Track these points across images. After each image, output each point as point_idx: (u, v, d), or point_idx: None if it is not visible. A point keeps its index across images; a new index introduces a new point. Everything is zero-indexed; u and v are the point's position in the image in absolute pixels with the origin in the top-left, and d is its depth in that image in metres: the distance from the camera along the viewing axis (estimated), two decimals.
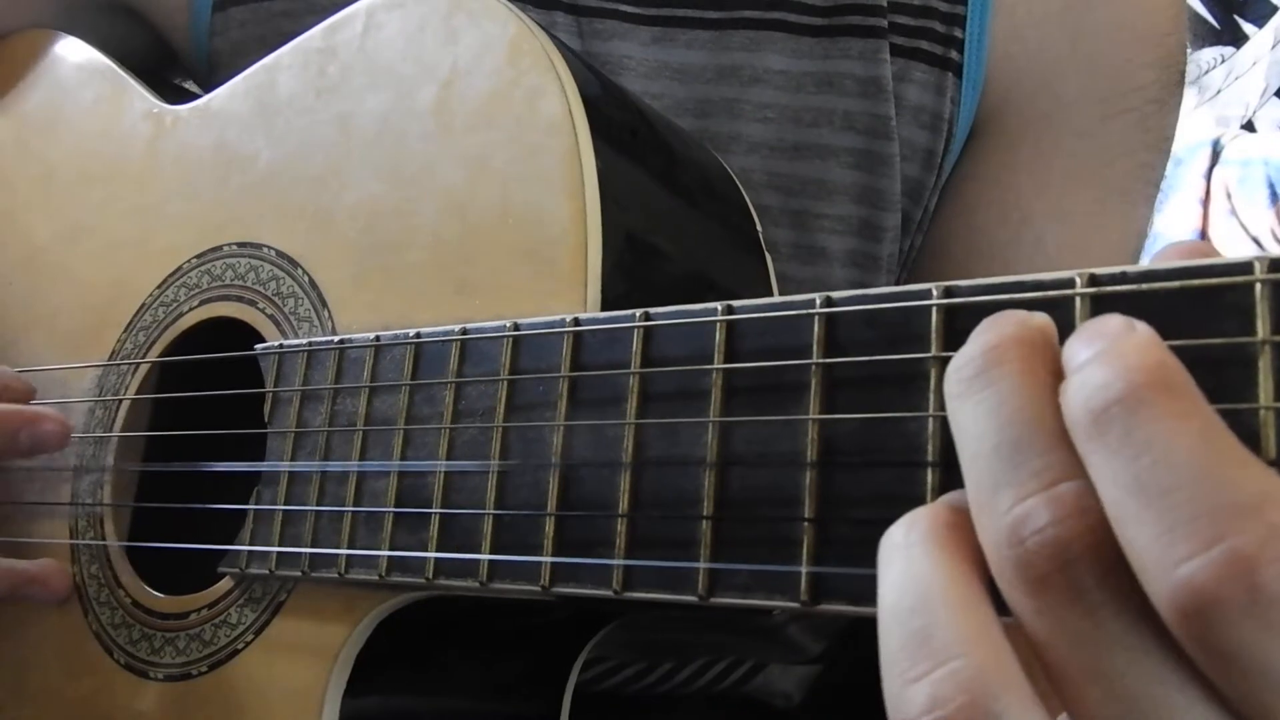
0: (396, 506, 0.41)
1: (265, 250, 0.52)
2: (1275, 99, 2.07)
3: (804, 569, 0.30)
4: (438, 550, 0.39)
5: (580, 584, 0.35)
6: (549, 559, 0.36)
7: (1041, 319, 0.26)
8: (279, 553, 0.45)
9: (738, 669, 0.68)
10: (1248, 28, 2.08)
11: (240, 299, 0.53)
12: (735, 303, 0.34)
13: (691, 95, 0.62)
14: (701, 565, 0.33)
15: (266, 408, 0.47)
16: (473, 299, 0.44)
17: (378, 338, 0.44)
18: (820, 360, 0.31)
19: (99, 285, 0.60)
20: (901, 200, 0.63)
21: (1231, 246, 1.87)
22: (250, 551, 0.46)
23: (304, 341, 0.47)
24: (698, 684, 0.67)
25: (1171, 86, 0.65)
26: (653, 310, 0.36)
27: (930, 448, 0.29)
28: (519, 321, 0.39)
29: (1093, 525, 0.23)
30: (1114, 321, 0.24)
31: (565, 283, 0.41)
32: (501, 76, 0.46)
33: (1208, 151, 1.98)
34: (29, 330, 0.62)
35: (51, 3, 0.73)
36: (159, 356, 0.55)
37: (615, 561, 0.34)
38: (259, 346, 0.49)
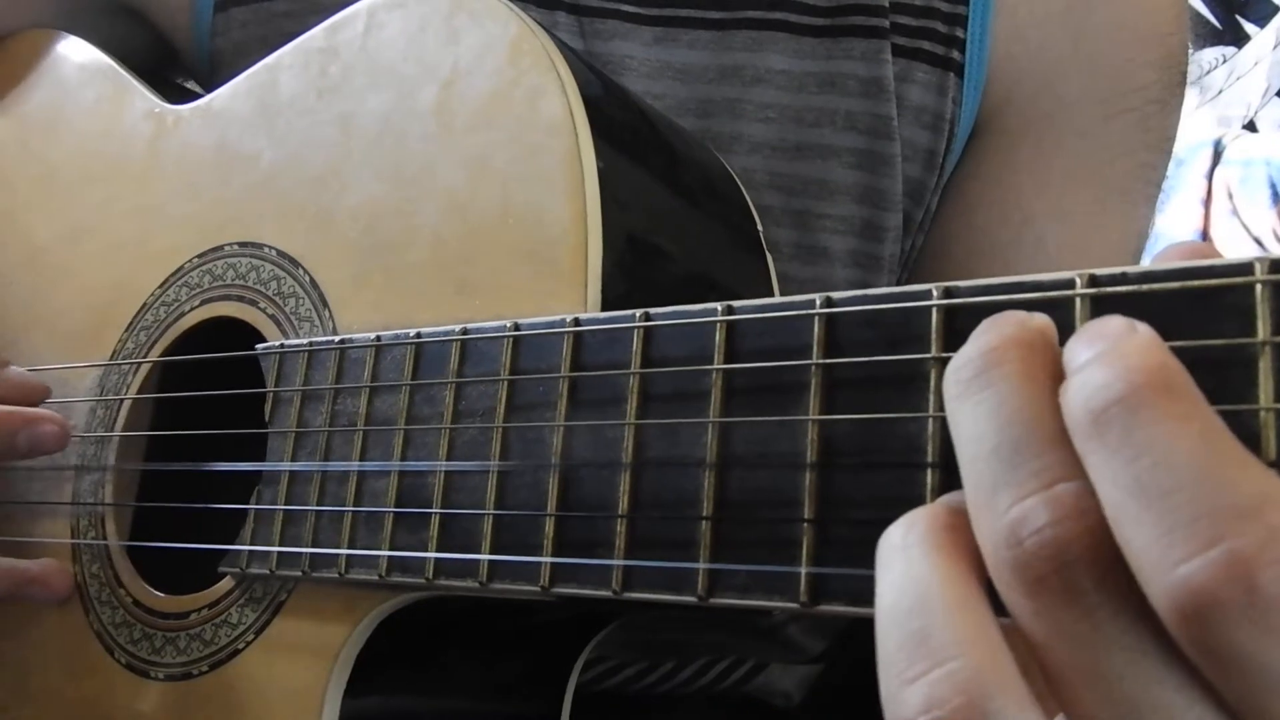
0: (397, 506, 0.41)
1: (266, 250, 0.52)
2: (1277, 99, 2.06)
3: (803, 570, 0.30)
4: (438, 550, 0.39)
5: (580, 584, 0.35)
6: (549, 559, 0.36)
7: (1041, 320, 0.26)
8: (279, 552, 0.45)
9: (739, 669, 0.68)
10: (1249, 28, 2.08)
11: (241, 299, 0.53)
12: (735, 303, 0.34)
13: (693, 95, 0.62)
14: (701, 566, 0.33)
15: (267, 408, 0.47)
16: (473, 299, 0.44)
17: (378, 338, 0.44)
18: (820, 361, 0.31)
19: (100, 285, 0.60)
20: (903, 200, 0.63)
21: (1233, 247, 1.86)
22: (251, 551, 0.46)
23: (305, 341, 0.47)
24: (698, 684, 0.67)
25: (1173, 86, 0.65)
26: (653, 310, 0.36)
27: (930, 449, 0.29)
28: (519, 322, 0.39)
29: (1091, 526, 0.23)
30: (1115, 322, 0.24)
31: (566, 283, 0.41)
32: (502, 76, 0.46)
33: (1209, 152, 1.97)
34: (30, 330, 0.62)
35: (53, 3, 0.73)
36: (160, 356, 0.55)
37: (615, 562, 0.34)
38: (260, 346, 0.49)
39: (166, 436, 0.55)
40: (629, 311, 0.36)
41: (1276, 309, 0.25)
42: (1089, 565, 0.23)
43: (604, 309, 0.40)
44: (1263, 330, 0.25)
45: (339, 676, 0.43)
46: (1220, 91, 2.07)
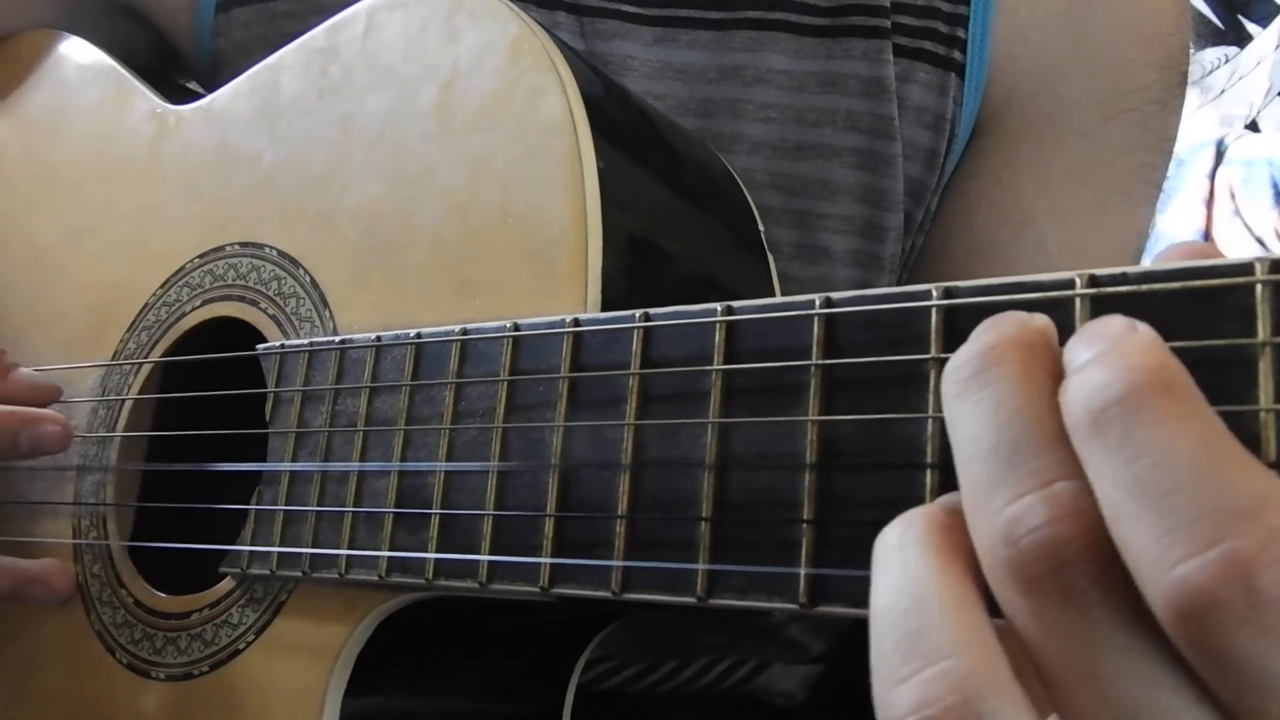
0: (397, 507, 0.41)
1: (267, 250, 0.52)
2: (1279, 99, 2.06)
3: (803, 571, 0.30)
4: (437, 551, 0.39)
5: (579, 585, 0.35)
6: (548, 560, 0.36)
7: (1041, 320, 0.25)
8: (280, 553, 0.45)
9: (740, 668, 0.68)
10: (1252, 28, 2.08)
11: (242, 299, 0.53)
12: (735, 303, 0.34)
13: (694, 95, 0.62)
14: (700, 567, 0.32)
15: (268, 408, 0.47)
16: (473, 299, 0.44)
17: (378, 338, 0.44)
18: (820, 361, 0.31)
19: (101, 285, 0.60)
20: (904, 200, 0.63)
21: (1235, 247, 1.86)
22: (251, 552, 0.46)
23: (305, 342, 0.47)
24: (700, 683, 0.67)
25: (1173, 87, 0.65)
26: (652, 311, 0.36)
27: (930, 449, 0.29)
28: (519, 322, 0.39)
29: (1088, 526, 0.22)
30: (1116, 323, 0.24)
31: (566, 283, 0.41)
32: (503, 77, 0.46)
33: (1211, 152, 1.97)
34: (31, 330, 0.63)
35: (55, 3, 0.73)
36: (162, 356, 0.55)
37: (614, 563, 0.34)
38: (260, 347, 0.49)
39: (168, 437, 0.55)
40: (628, 312, 0.36)
41: (1277, 309, 0.25)
42: (1085, 565, 0.23)
43: (604, 309, 0.40)
44: (1263, 330, 0.25)
45: (339, 677, 0.43)
46: (1222, 91, 2.07)
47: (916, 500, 0.28)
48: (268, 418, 0.47)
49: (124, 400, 0.56)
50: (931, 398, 0.29)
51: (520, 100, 0.45)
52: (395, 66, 0.50)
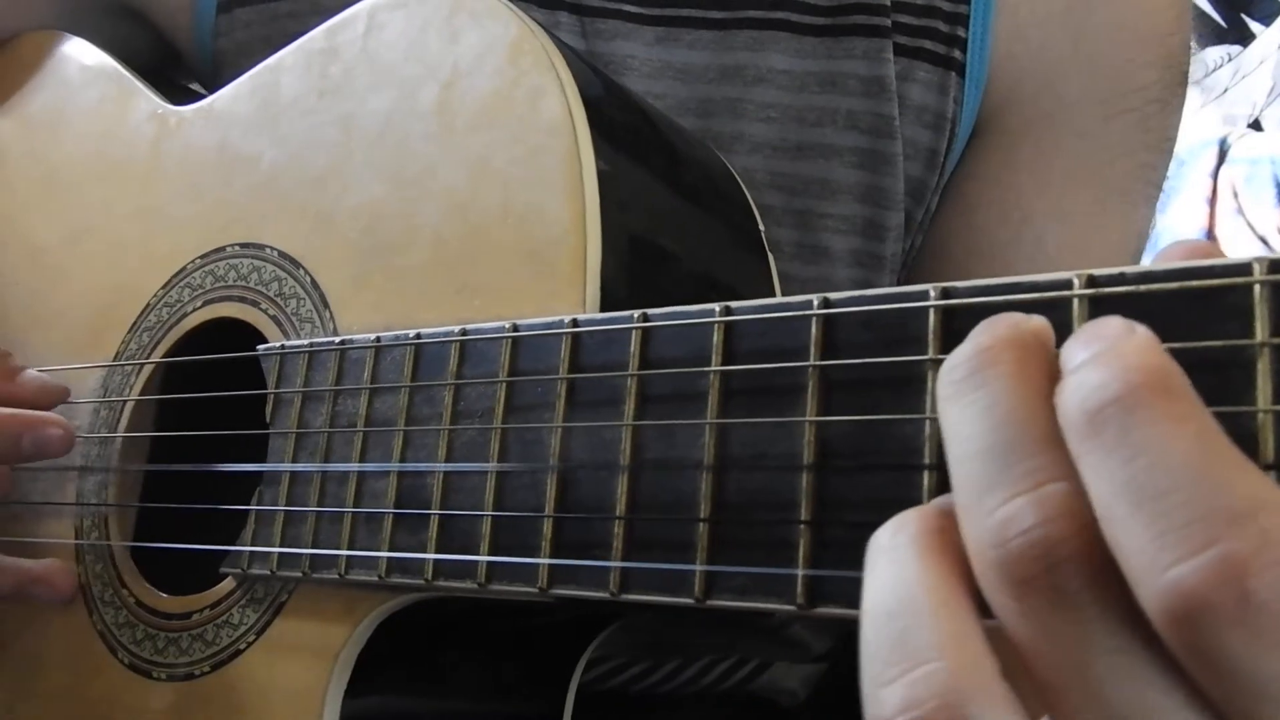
0: (396, 508, 0.41)
1: (268, 251, 0.52)
2: None
3: (800, 572, 0.30)
4: (437, 551, 0.39)
5: (578, 586, 0.35)
6: (547, 561, 0.36)
7: (1038, 322, 0.25)
8: (280, 553, 0.45)
9: (743, 667, 0.68)
10: (1255, 26, 2.07)
11: (243, 300, 0.53)
12: (733, 304, 0.34)
13: (694, 95, 0.62)
14: (698, 568, 0.32)
15: (268, 408, 0.48)
16: (473, 300, 0.44)
17: (378, 339, 0.44)
18: (817, 362, 0.31)
19: (102, 286, 0.60)
20: (904, 200, 0.63)
21: (1238, 246, 1.86)
22: (252, 552, 0.46)
23: (305, 342, 0.47)
24: (703, 682, 0.67)
25: (1173, 87, 0.65)
26: (651, 311, 0.36)
27: (927, 450, 0.29)
28: (518, 323, 0.39)
29: (1080, 527, 0.22)
30: (1113, 323, 0.24)
31: (566, 283, 0.41)
32: (503, 77, 0.46)
33: (1214, 150, 1.97)
34: (32, 331, 0.63)
35: (56, 4, 0.73)
36: (163, 357, 0.56)
37: (612, 564, 0.34)
38: (261, 347, 0.49)
39: (170, 437, 0.55)
40: (627, 312, 0.36)
41: (1275, 310, 0.25)
42: (1078, 566, 0.22)
43: (604, 309, 0.40)
44: (1261, 331, 0.25)
45: (339, 677, 0.43)
46: (1225, 90, 2.06)
47: (914, 501, 0.28)
48: (268, 418, 0.47)
49: (126, 401, 0.56)
50: (929, 399, 0.29)
51: (520, 100, 0.45)
52: (396, 67, 0.50)
